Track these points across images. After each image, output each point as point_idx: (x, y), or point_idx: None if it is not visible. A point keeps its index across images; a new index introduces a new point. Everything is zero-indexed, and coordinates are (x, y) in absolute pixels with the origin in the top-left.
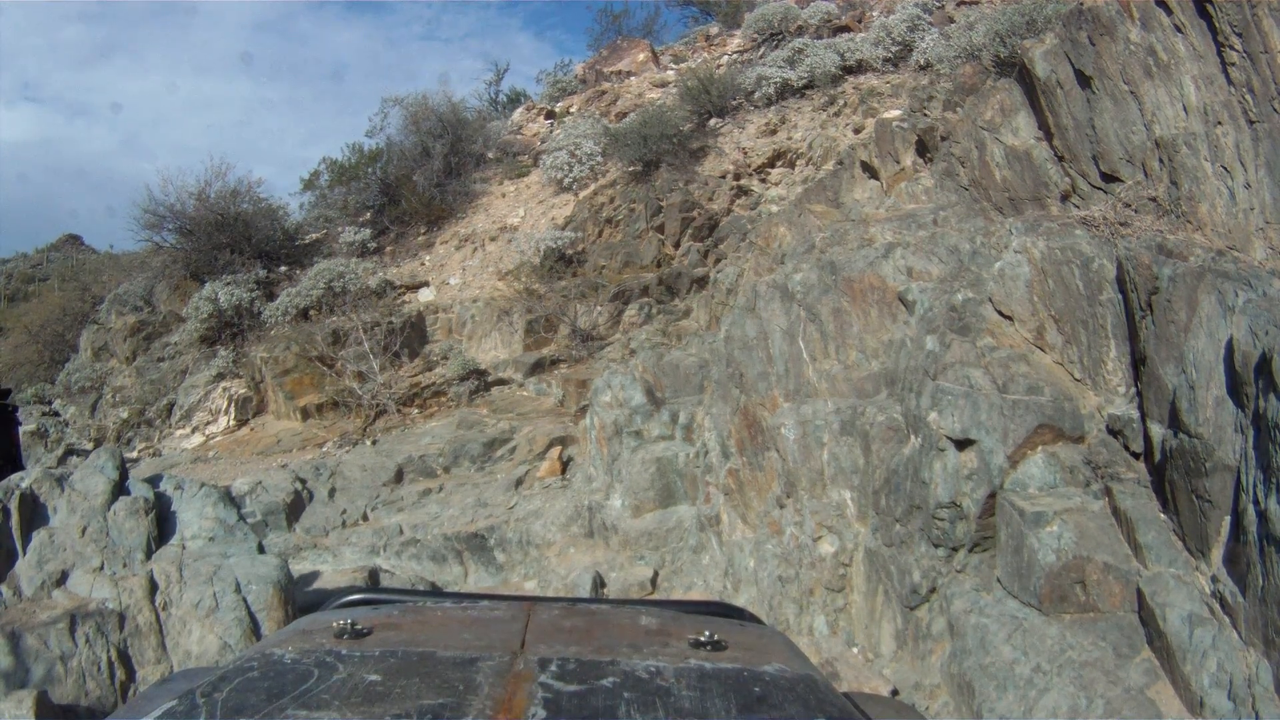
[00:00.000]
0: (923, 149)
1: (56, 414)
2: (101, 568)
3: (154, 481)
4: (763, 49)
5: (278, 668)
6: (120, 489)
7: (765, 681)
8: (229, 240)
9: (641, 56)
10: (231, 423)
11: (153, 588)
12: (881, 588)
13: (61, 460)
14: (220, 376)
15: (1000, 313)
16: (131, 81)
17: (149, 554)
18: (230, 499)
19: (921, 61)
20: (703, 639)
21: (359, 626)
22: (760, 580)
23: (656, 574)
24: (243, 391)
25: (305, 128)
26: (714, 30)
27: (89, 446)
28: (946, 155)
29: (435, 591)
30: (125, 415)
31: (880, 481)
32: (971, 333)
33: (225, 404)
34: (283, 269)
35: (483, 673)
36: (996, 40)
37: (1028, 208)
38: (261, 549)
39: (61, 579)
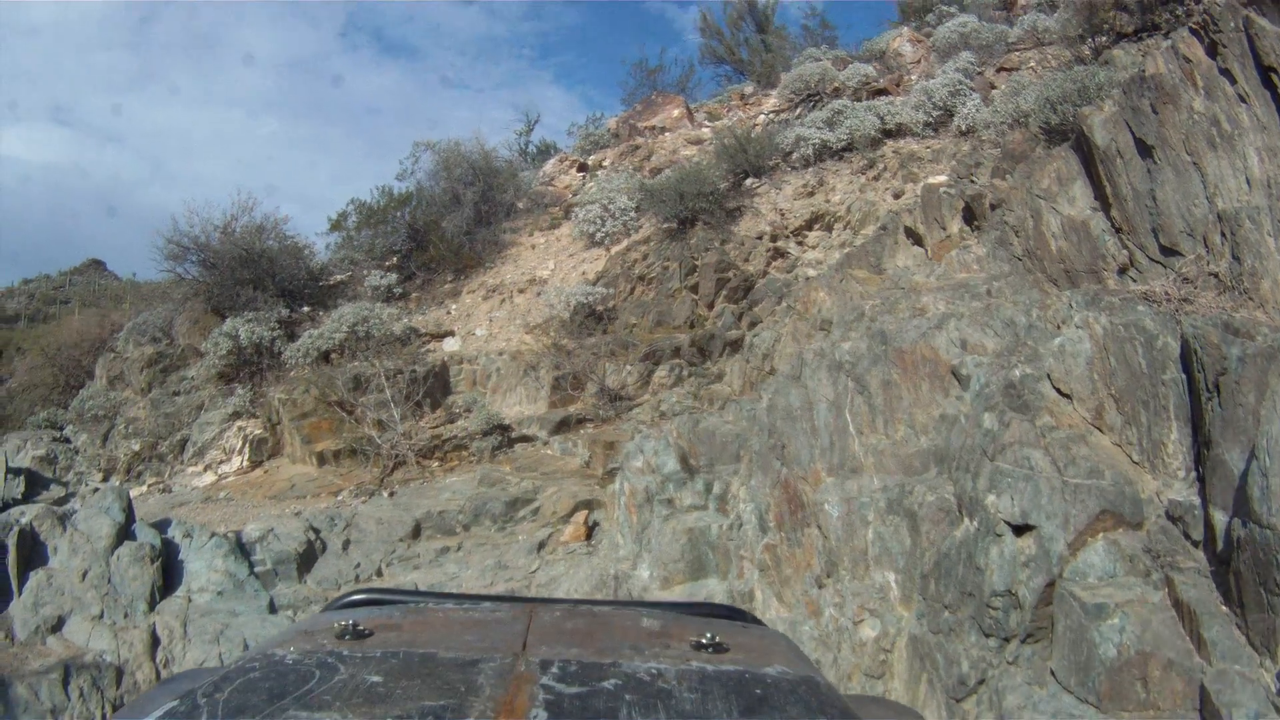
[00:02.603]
0: (970, 216)
1: (68, 440)
2: (101, 616)
3: (161, 527)
4: (799, 109)
5: (279, 668)
6: (126, 533)
7: (767, 683)
8: (252, 276)
9: (676, 112)
10: (245, 463)
11: (154, 642)
12: (925, 676)
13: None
14: (236, 415)
15: (1059, 390)
16: (161, 111)
17: (152, 605)
18: (241, 550)
19: (963, 127)
20: (704, 641)
21: (360, 627)
22: None
23: None
24: (258, 432)
25: (333, 167)
26: (749, 89)
27: (98, 476)
28: (999, 224)
29: (437, 593)
30: (137, 447)
31: (929, 565)
32: (1030, 411)
33: (240, 444)
34: (305, 309)
35: (484, 674)
36: (1047, 107)
37: (1084, 280)
38: (273, 608)
39: (58, 625)
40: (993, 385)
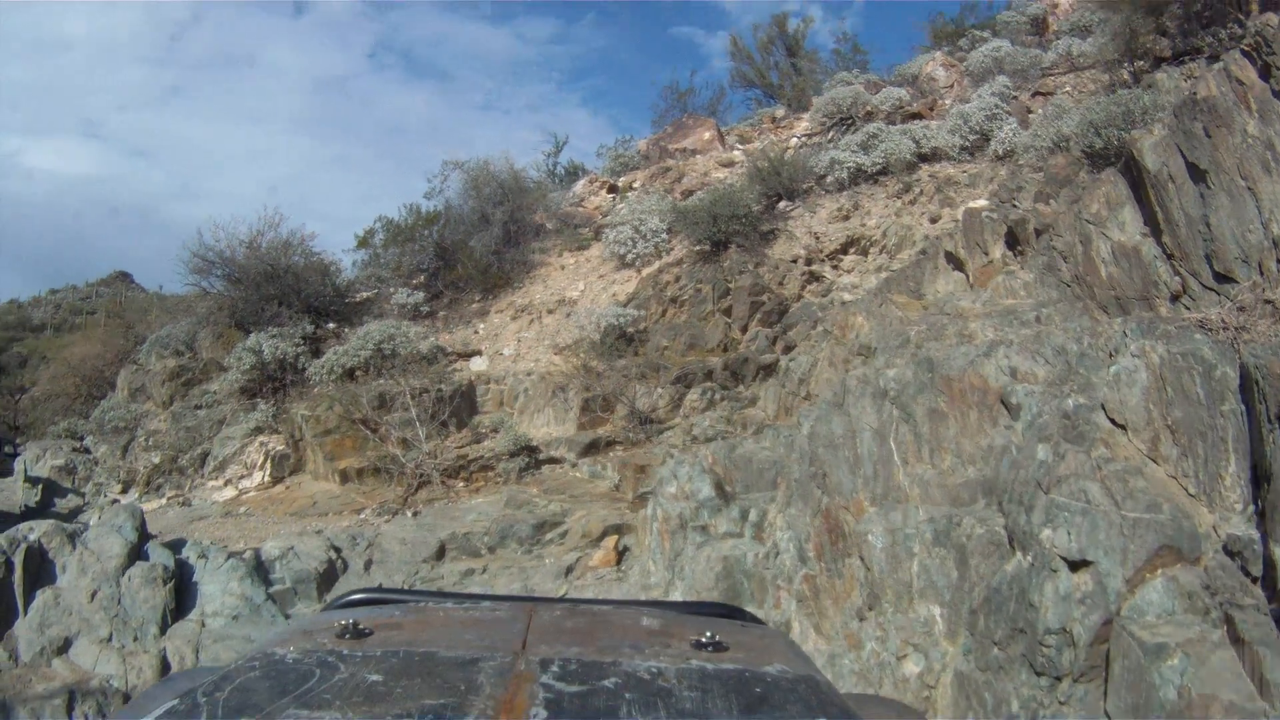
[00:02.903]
0: (1013, 241)
1: (87, 450)
2: (110, 639)
3: (176, 546)
4: (832, 133)
5: (279, 667)
6: (138, 552)
7: (767, 682)
8: (277, 292)
9: (707, 135)
10: (266, 479)
11: (164, 668)
12: (972, 715)
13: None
14: (258, 430)
15: (1113, 421)
16: (190, 127)
17: (164, 629)
18: (259, 573)
19: (1000, 151)
20: (704, 640)
21: (361, 626)
22: None
23: None
24: (280, 448)
25: (361, 186)
26: (780, 113)
27: (117, 488)
28: (1047, 249)
29: (437, 592)
30: (157, 460)
31: (979, 600)
32: (1085, 442)
33: (261, 459)
34: (331, 325)
35: (484, 673)
36: (1090, 131)
37: (1135, 308)
38: None
39: (64, 647)
40: (1046, 415)
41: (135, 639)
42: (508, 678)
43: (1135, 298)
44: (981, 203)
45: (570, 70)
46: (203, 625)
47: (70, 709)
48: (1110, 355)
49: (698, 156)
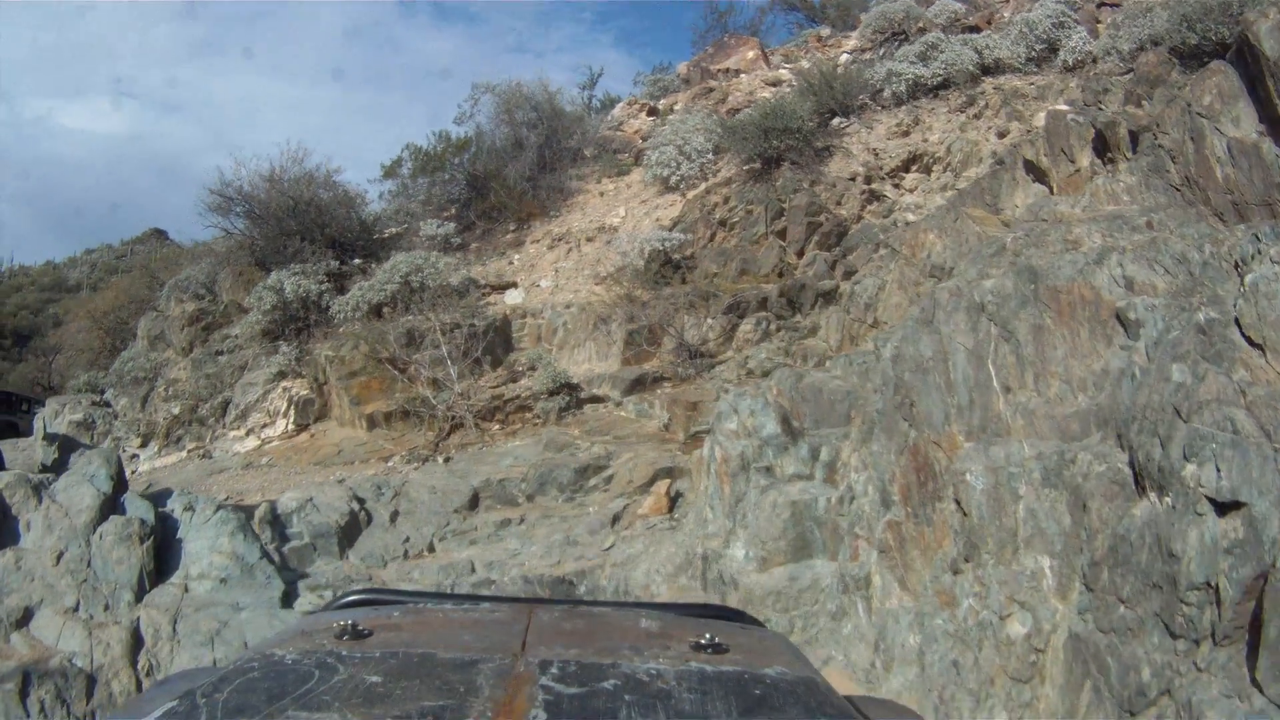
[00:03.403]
0: (1101, 147)
1: (107, 404)
2: (76, 608)
3: (158, 498)
4: (883, 49)
5: (278, 668)
6: (113, 505)
7: (766, 683)
8: (299, 227)
9: (751, 54)
10: (290, 426)
11: (137, 643)
12: (1090, 683)
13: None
14: (281, 375)
15: (1249, 339)
16: (221, 81)
17: (139, 595)
18: (251, 529)
19: (1069, 61)
20: (704, 641)
21: (360, 627)
22: (926, 661)
23: None
24: (304, 393)
25: (392, 134)
26: (825, 32)
27: (136, 441)
28: (1151, 149)
29: (436, 593)
30: (176, 411)
31: (1103, 550)
32: (1224, 362)
33: (284, 405)
34: (356, 261)
35: (483, 674)
36: (1183, 26)
37: (1255, 213)
38: (288, 599)
39: (24, 619)
40: (1175, 332)
41: (106, 608)
42: (507, 679)
43: (1256, 203)
44: (1063, 107)
45: (602, 10)
46: (185, 590)
47: (24, 694)
48: (1237, 265)
49: (742, 76)
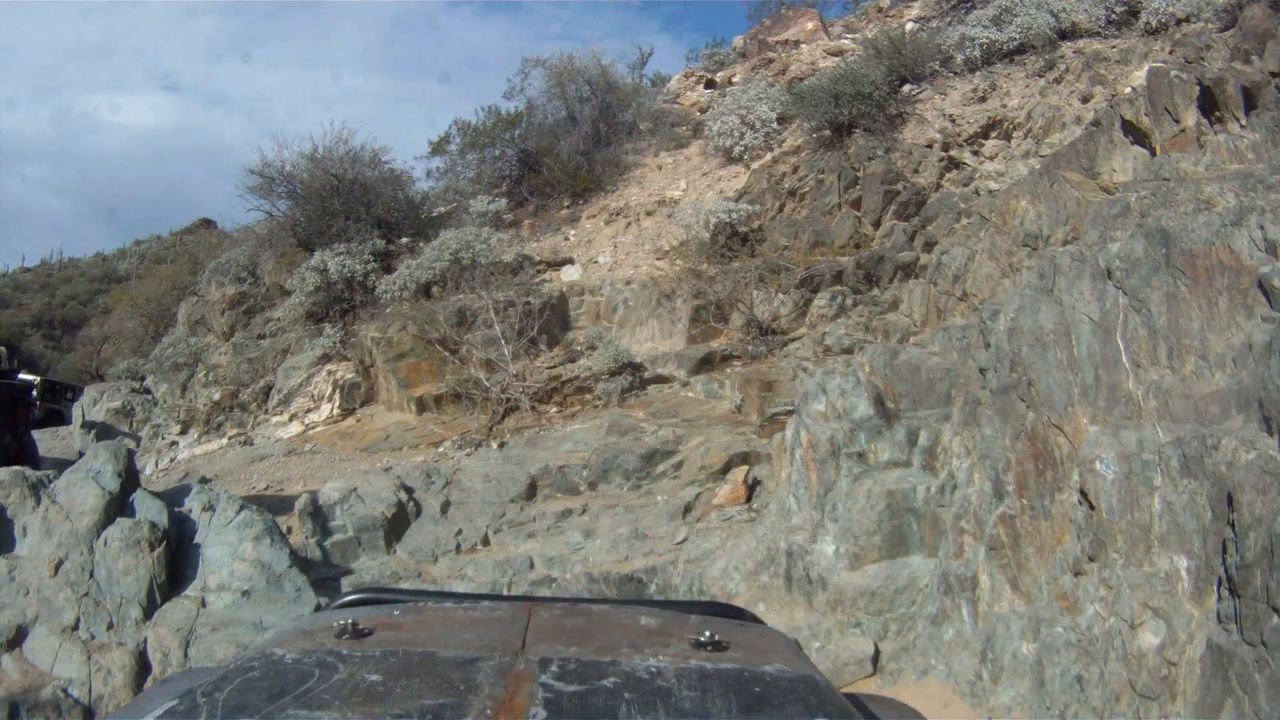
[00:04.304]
0: (1208, 105)
1: (147, 391)
2: (75, 627)
3: (174, 497)
4: (950, 16)
5: (278, 667)
6: (121, 506)
7: (766, 681)
8: (344, 206)
9: (810, 25)
10: (335, 411)
11: (142, 669)
12: (1231, 702)
13: None
14: (325, 358)
15: None
16: (267, 73)
17: (149, 611)
18: (279, 531)
19: (1151, 24)
20: (704, 639)
21: (360, 626)
22: (1043, 673)
23: (878, 649)
24: (350, 376)
25: (438, 123)
26: (885, 3)
27: (175, 429)
28: (1276, 103)
29: (436, 592)
30: (217, 396)
31: (1255, 551)
32: None
33: (329, 389)
34: (404, 240)
35: (483, 673)
36: None
37: None
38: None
39: (17, 639)
40: None
41: (109, 626)
42: (507, 677)
43: None
44: (1161, 64)
45: None
46: (202, 605)
47: None
48: None
49: (802, 47)
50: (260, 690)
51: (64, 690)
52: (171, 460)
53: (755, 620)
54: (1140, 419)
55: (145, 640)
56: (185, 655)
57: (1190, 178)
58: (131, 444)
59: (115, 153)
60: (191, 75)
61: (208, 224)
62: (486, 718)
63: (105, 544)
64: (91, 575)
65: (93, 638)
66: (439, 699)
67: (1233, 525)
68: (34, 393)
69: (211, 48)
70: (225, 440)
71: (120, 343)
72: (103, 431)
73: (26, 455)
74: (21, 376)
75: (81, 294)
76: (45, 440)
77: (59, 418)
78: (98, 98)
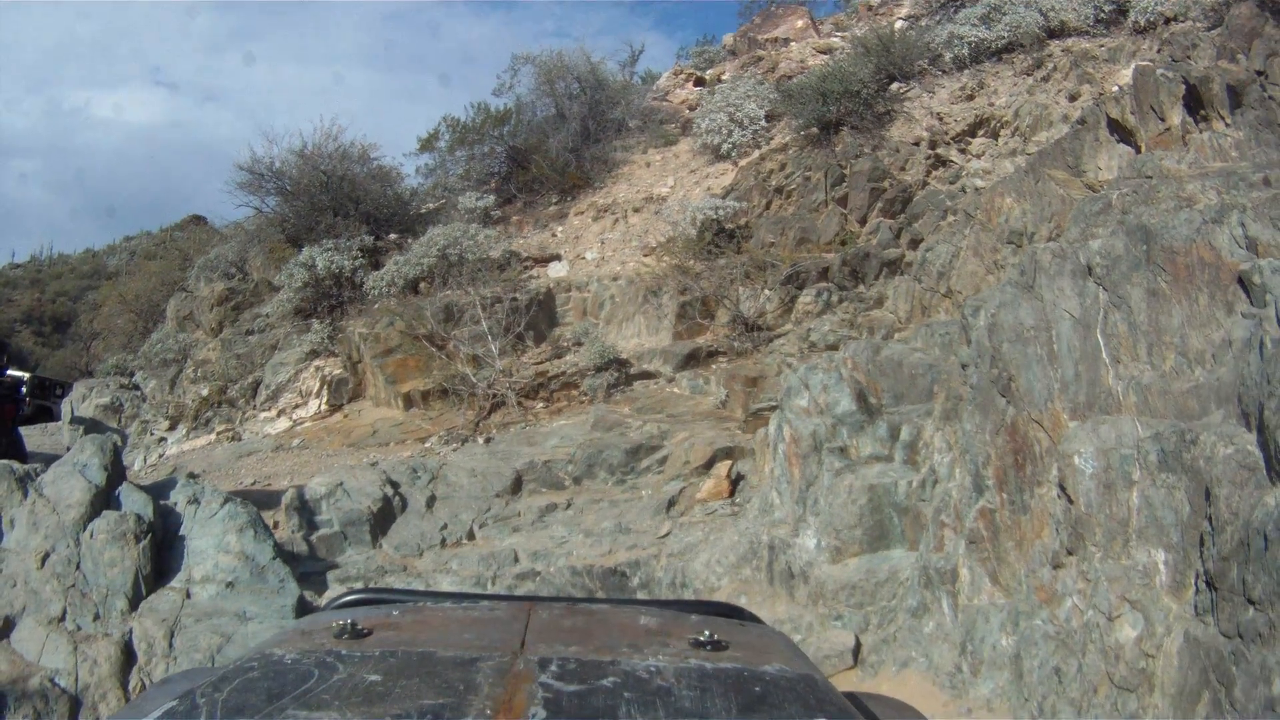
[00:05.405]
0: (1193, 104)
1: (136, 387)
2: (62, 618)
3: (160, 490)
4: (939, 14)
5: (278, 668)
6: (107, 499)
7: (766, 681)
8: (333, 203)
9: (799, 23)
10: (323, 407)
11: (128, 659)
12: (1209, 694)
13: None
14: (313, 354)
15: None
16: (259, 69)
17: (134, 602)
18: (263, 525)
19: (1140, 23)
20: (703, 639)
21: (359, 627)
22: (1022, 665)
23: (859, 641)
24: (337, 372)
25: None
26: (875, 1)
27: (164, 425)
28: (1260, 102)
29: (435, 592)
30: (205, 392)
31: (1232, 544)
32: None
33: (317, 385)
34: (392, 236)
35: (483, 673)
36: None
37: None
38: (303, 606)
39: (4, 630)
40: None
41: (96, 618)
42: (506, 677)
43: None
44: (1147, 63)
45: None
46: (187, 596)
47: None
48: None
49: (792, 44)
50: (260, 690)
51: (51, 680)
52: (160, 456)
53: (755, 620)
54: (1120, 414)
55: (131, 631)
56: (170, 645)
57: (1173, 175)
58: (119, 439)
59: (110, 149)
60: (186, 71)
61: (198, 220)
62: (486, 718)
63: (91, 536)
64: (78, 567)
65: (79, 629)
66: (438, 699)
67: (1210, 519)
68: (24, 389)
69: (207, 44)
70: (214, 436)
71: (109, 339)
72: (91, 427)
73: (14, 451)
74: (11, 373)
75: (71, 290)
76: (34, 436)
77: (49, 414)
78: (92, 93)
